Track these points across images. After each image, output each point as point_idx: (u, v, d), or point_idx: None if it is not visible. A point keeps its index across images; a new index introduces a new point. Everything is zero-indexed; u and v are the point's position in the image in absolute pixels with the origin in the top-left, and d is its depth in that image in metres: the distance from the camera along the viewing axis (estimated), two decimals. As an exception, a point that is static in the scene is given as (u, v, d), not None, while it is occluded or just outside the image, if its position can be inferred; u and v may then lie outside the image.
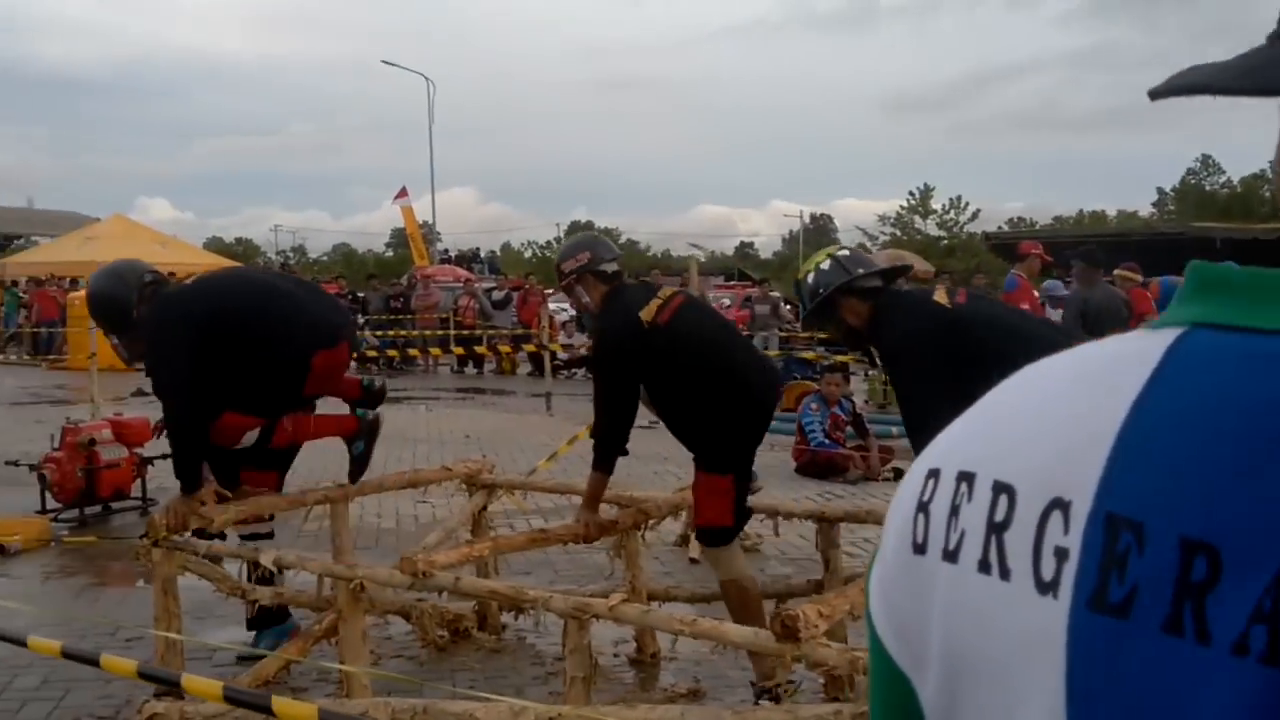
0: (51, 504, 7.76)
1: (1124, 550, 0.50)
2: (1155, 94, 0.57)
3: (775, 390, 4.50)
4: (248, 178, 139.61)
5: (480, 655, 5.10)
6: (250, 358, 4.58)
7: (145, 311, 4.65)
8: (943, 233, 51.78)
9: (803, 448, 9.61)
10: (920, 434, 3.66)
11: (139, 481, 8.00)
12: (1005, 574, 0.55)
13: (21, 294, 24.09)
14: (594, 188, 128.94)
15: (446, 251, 36.94)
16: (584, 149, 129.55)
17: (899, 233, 51.56)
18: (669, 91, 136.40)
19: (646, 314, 4.18)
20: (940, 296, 3.90)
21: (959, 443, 0.61)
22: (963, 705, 0.58)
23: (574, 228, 71.91)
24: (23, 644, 3.37)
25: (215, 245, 56.76)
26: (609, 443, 4.32)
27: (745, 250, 75.05)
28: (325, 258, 62.97)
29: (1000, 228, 45.96)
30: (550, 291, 26.39)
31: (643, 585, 5.03)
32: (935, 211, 52.99)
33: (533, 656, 5.10)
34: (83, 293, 21.44)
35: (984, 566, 0.56)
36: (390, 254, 56.28)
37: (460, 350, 18.04)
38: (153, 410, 5.63)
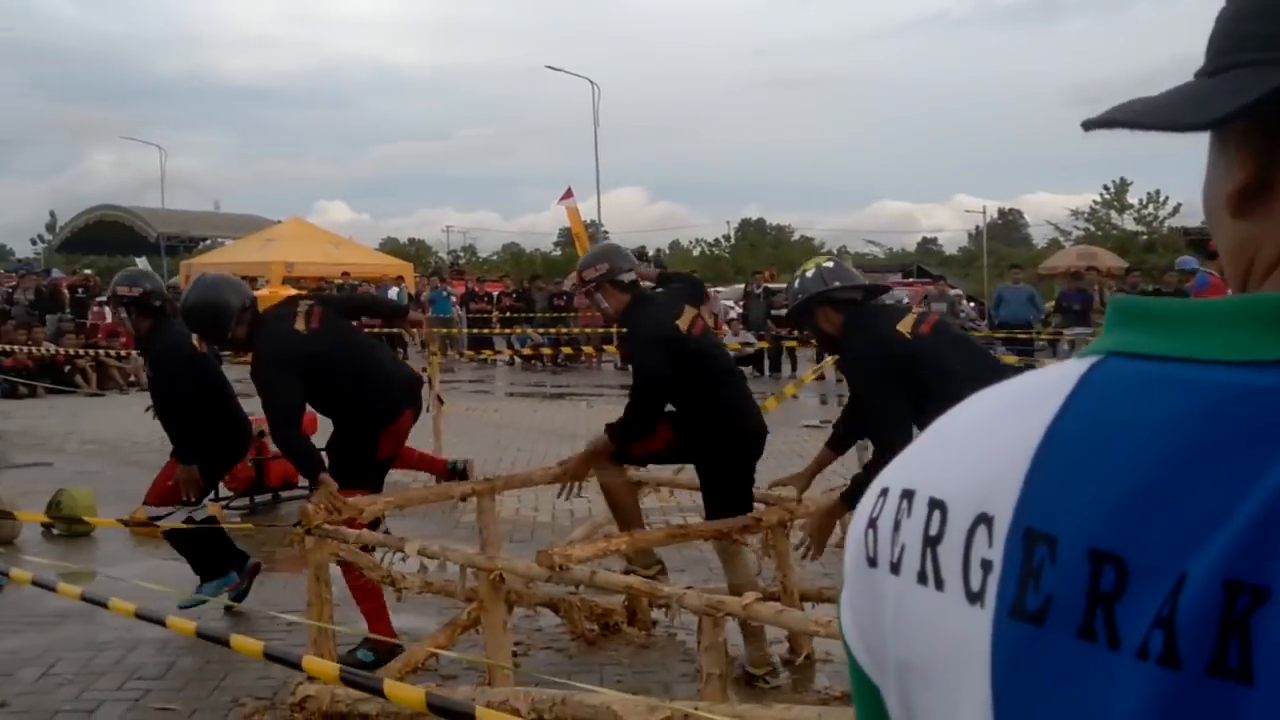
0: (224, 492, 8.24)
1: (1039, 562, 0.55)
2: (1088, 125, 0.62)
3: (762, 432, 4.95)
4: (421, 180, 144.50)
5: (630, 650, 5.16)
6: (341, 410, 5.11)
7: (243, 334, 5.18)
8: (1141, 228, 49.52)
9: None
10: (884, 440, 4.15)
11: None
12: (940, 585, 0.60)
13: (206, 293, 25.48)
14: (766, 185, 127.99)
15: (612, 250, 37.35)
16: (756, 146, 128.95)
17: (1093, 228, 49.58)
18: (844, 88, 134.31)
19: (683, 323, 4.76)
20: (905, 325, 4.22)
21: (906, 463, 0.66)
22: (914, 711, 0.62)
23: (744, 225, 71.88)
24: (161, 623, 3.58)
25: (390, 246, 58.89)
26: (634, 428, 4.79)
27: (928, 246, 73.36)
28: (495, 257, 64.53)
29: (1203, 223, 43.53)
30: (718, 290, 26.48)
31: (794, 585, 4.99)
32: (1132, 206, 50.73)
33: (682, 653, 5.12)
34: (264, 291, 22.65)
35: (922, 578, 0.61)
36: (558, 253, 57.29)
37: (615, 348, 18.22)
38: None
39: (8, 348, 15.10)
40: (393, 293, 23.35)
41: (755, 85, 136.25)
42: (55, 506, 6.97)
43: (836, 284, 4.37)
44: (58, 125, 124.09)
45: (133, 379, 17.08)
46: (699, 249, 64.20)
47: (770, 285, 21.71)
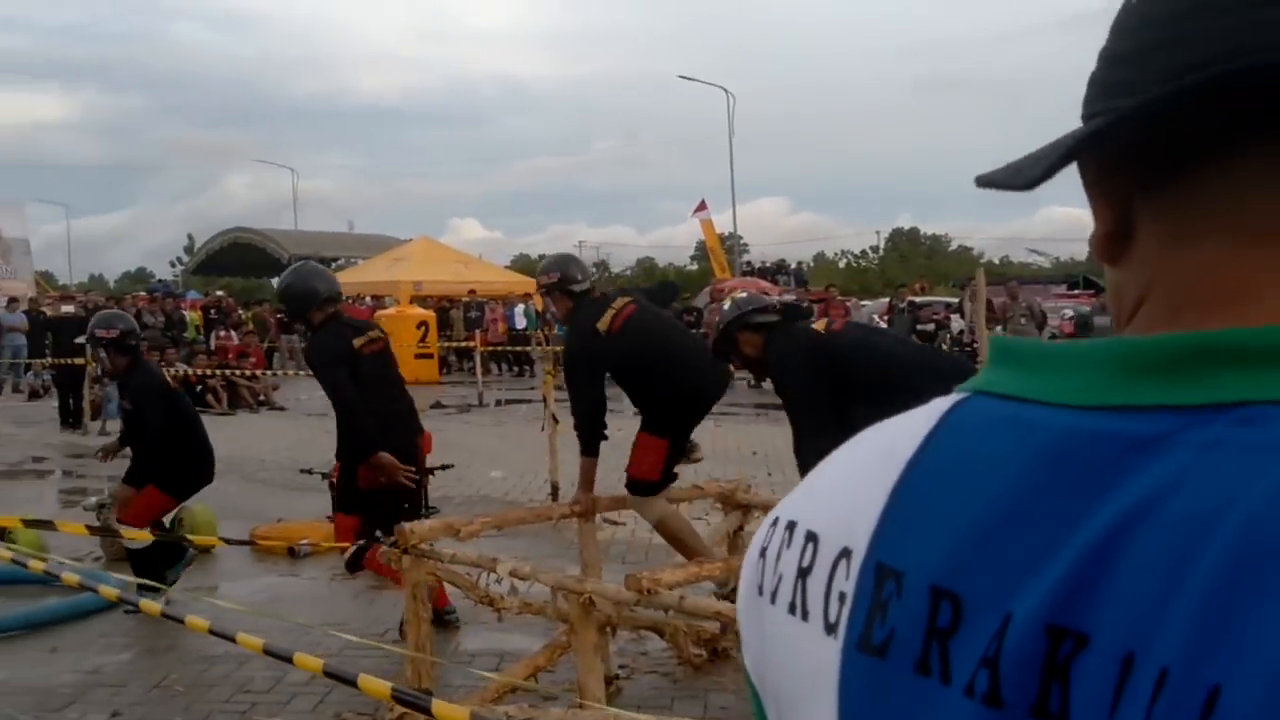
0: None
1: (887, 596, 0.58)
2: (979, 183, 0.64)
3: (716, 381, 5.71)
4: (554, 195, 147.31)
5: (737, 675, 5.24)
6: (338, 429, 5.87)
7: (318, 321, 5.91)
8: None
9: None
10: (805, 448, 4.63)
11: (422, 491, 8.69)
12: (805, 615, 0.63)
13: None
14: (919, 192, 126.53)
15: (748, 264, 37.50)
16: (908, 152, 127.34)
17: (1278, 231, 47.53)
18: (1005, 87, 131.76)
19: (601, 324, 5.40)
20: (819, 325, 4.83)
21: (796, 496, 0.70)
22: None
23: (895, 235, 70.98)
24: (232, 639, 3.84)
25: (521, 263, 59.91)
26: (588, 432, 5.46)
27: (1101, 255, 71.07)
28: (628, 272, 65.07)
29: None
30: (862, 303, 26.25)
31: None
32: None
33: (790, 681, 5.19)
34: (391, 310, 23.31)
35: (792, 608, 0.65)
36: (694, 267, 57.56)
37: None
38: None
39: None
40: (519, 310, 23.89)
41: (906, 88, 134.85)
42: (177, 524, 7.40)
43: (750, 310, 5.03)
44: (194, 150, 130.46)
45: (262, 398, 17.88)
46: (844, 260, 63.66)
47: (915, 299, 21.50)
